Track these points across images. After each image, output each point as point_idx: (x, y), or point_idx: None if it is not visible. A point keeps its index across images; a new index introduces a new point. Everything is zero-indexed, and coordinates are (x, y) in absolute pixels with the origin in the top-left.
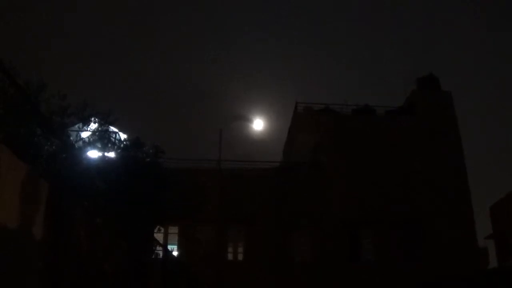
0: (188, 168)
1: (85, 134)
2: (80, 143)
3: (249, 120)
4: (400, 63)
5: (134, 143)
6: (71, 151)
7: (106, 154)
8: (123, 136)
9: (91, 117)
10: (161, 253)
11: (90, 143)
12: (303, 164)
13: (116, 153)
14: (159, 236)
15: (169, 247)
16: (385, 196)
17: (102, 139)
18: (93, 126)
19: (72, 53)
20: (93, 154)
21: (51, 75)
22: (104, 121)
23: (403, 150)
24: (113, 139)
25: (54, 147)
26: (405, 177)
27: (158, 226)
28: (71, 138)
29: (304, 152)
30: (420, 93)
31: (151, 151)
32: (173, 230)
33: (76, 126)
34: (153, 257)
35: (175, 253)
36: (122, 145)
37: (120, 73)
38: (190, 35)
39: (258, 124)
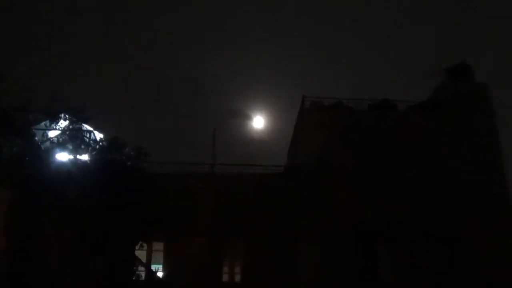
0: (178, 173)
1: (53, 133)
2: (48, 143)
3: (248, 117)
4: (425, 53)
5: (112, 144)
6: (37, 153)
7: (78, 156)
8: (99, 135)
9: (61, 113)
10: (143, 274)
11: (60, 144)
12: (309, 166)
13: (91, 156)
14: (141, 254)
15: (153, 267)
16: (406, 204)
17: (74, 139)
18: (63, 123)
19: (65, 52)
20: (63, 156)
21: (41, 74)
22: (76, 118)
23: (427, 151)
24: (86, 139)
25: (15, 148)
26: (430, 182)
27: (140, 242)
28: (37, 138)
29: (311, 153)
30: (449, 85)
31: (132, 153)
32: (158, 246)
33: (43, 123)
34: (134, 278)
35: (160, 274)
36: (97, 146)
37: (109, 69)
38: (190, 33)
39: (258, 122)
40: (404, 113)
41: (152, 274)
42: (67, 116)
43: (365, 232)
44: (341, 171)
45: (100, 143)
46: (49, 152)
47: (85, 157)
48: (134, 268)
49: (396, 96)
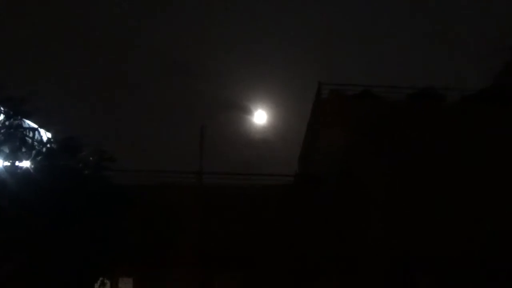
0: (154, 185)
1: None
2: None
3: (248, 111)
4: (486, 26)
5: (64, 147)
6: None
7: (17, 163)
8: (46, 135)
9: None
10: None
11: None
12: (329, 176)
13: (34, 162)
14: None
15: None
16: (457, 224)
17: (12, 139)
18: None
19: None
20: None
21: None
22: (15, 112)
23: (486, 153)
24: (29, 140)
25: None
26: (489, 195)
27: (101, 278)
28: None
29: (331, 158)
30: None
31: (91, 158)
32: (126, 284)
33: None
34: None
35: None
36: (44, 149)
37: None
38: (177, 12)
39: (260, 117)
40: (456, 105)
41: None
42: (1, 108)
43: (402, 262)
44: (372, 181)
45: (48, 145)
46: None
47: (26, 163)
48: None
49: (445, 83)
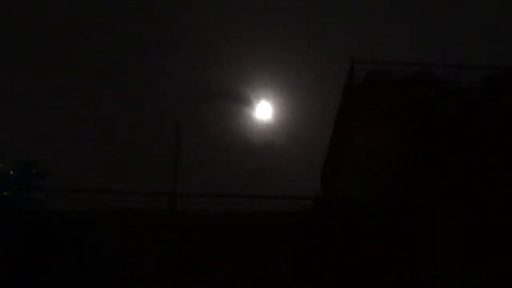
0: (108, 211)
1: None
2: None
3: (246, 102)
4: None
5: None
6: None
7: None
8: None
9: None
10: None
11: None
12: (366, 200)
13: None
14: None
15: None
16: None
17: None
18: None
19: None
20: None
21: None
22: None
23: None
24: None
25: None
26: None
27: None
28: None
29: (370, 173)
30: None
31: (12, 172)
32: None
33: None
34: None
35: None
36: None
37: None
38: None
39: (263, 111)
40: None
41: None
42: None
43: None
44: (432, 209)
45: None
46: None
47: None
48: None
49: None
